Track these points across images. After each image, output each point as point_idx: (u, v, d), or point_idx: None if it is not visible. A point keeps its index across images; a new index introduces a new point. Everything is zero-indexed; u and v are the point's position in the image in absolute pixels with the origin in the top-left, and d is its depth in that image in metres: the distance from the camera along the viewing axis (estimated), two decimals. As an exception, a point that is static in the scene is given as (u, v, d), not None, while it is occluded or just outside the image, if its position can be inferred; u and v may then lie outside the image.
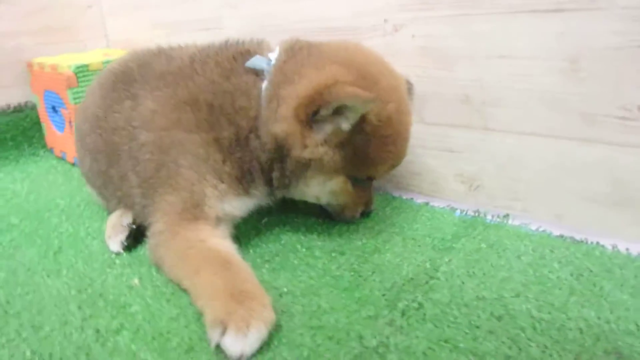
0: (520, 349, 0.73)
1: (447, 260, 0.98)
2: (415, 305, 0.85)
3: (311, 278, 0.95)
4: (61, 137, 1.75)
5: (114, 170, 1.09)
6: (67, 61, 1.64)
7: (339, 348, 0.75)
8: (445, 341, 0.76)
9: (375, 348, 0.75)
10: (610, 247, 1.00)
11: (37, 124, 1.87)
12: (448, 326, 0.79)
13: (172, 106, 1.00)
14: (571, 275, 0.92)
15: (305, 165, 0.96)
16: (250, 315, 0.76)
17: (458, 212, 1.20)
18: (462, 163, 1.19)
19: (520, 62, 1.04)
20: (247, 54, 1.03)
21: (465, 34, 1.09)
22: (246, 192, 1.03)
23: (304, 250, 1.06)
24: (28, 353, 0.76)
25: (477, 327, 0.79)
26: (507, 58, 1.05)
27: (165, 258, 0.94)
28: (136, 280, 0.97)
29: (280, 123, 0.93)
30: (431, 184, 1.27)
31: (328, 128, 0.93)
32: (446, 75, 1.14)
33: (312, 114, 0.91)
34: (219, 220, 1.00)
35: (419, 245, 1.05)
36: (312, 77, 0.91)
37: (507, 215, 1.15)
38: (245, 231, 1.14)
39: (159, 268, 0.97)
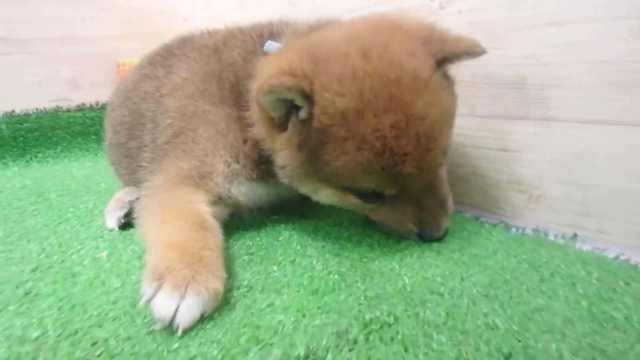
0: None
1: (464, 275, 0.73)
2: (389, 319, 0.62)
3: (284, 275, 0.77)
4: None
5: (134, 142, 1.07)
6: (144, 61, 1.71)
7: (258, 353, 0.56)
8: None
9: (300, 359, 0.54)
10: None
11: (122, 122, 1.97)
12: (425, 354, 0.56)
13: (202, 77, 0.97)
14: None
15: (290, 172, 0.82)
16: (193, 278, 0.65)
17: (513, 230, 0.92)
18: (519, 165, 0.92)
19: (584, 28, 0.77)
20: (271, 36, 0.95)
21: (515, 1, 0.86)
22: (261, 178, 0.92)
23: (297, 247, 0.88)
24: None
25: (466, 360, 0.53)
26: (565, 25, 0.79)
27: (147, 207, 0.86)
28: (104, 254, 0.89)
29: (256, 126, 0.86)
30: (483, 193, 1.00)
31: (290, 127, 0.78)
32: (496, 53, 0.90)
33: (269, 113, 0.78)
34: (219, 199, 0.91)
35: (440, 258, 0.80)
36: (264, 69, 0.79)
37: (574, 236, 0.84)
38: (246, 222, 1.00)
39: (138, 222, 0.87)
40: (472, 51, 0.76)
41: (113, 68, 1.93)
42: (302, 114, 0.75)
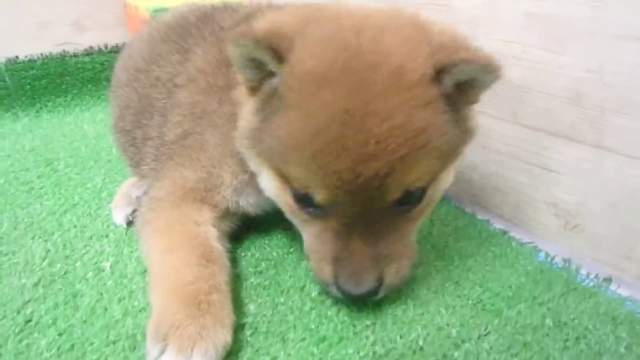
0: None
1: (482, 331, 0.68)
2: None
3: (291, 311, 0.74)
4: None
5: (140, 131, 0.98)
6: (151, 3, 1.57)
7: None
8: None
9: None
10: None
11: (132, 65, 1.86)
12: None
13: (214, 67, 0.87)
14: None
15: (241, 137, 0.73)
16: (200, 335, 0.62)
17: (542, 255, 0.85)
18: (559, 189, 0.83)
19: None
20: None
21: (590, 1, 0.71)
22: None
23: (308, 266, 0.83)
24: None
25: None
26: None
27: (150, 224, 0.81)
28: (108, 264, 0.86)
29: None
30: (515, 207, 0.92)
31: (260, 92, 0.68)
32: (554, 58, 0.77)
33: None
34: (227, 213, 0.85)
35: (459, 295, 0.75)
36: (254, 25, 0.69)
37: (609, 279, 0.77)
38: (257, 224, 0.95)
39: (138, 238, 0.84)
40: (473, 63, 0.59)
41: (120, 8, 1.78)
42: (275, 81, 0.65)
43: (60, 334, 0.69)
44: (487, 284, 0.77)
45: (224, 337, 0.63)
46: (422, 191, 0.66)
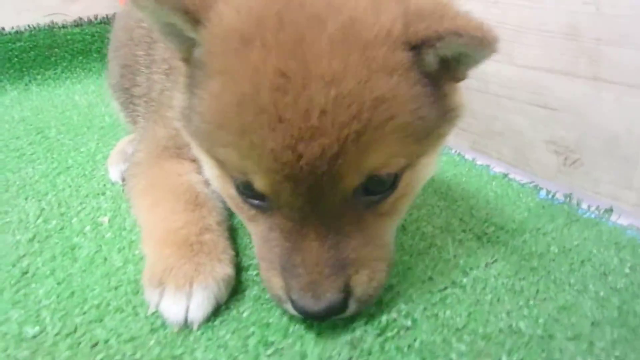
0: None
1: (489, 260, 0.68)
2: (407, 323, 0.58)
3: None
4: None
5: (136, 89, 0.97)
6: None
7: (267, 362, 0.53)
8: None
9: None
10: None
11: (123, 38, 1.83)
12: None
13: None
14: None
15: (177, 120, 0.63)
16: (197, 271, 0.60)
17: (543, 192, 0.85)
18: (557, 126, 0.82)
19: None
20: None
21: None
22: None
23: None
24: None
25: None
26: None
27: (135, 187, 0.79)
28: (105, 219, 0.84)
29: None
30: (514, 149, 0.92)
31: (187, 65, 0.58)
32: (548, -6, 0.76)
33: None
34: None
35: (463, 230, 0.75)
36: None
37: (609, 210, 0.77)
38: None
39: (129, 201, 0.83)
40: (464, 36, 0.46)
41: None
42: (197, 51, 0.53)
43: (59, 283, 0.68)
44: (491, 219, 0.77)
45: (223, 270, 0.62)
46: (395, 178, 0.53)
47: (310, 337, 0.56)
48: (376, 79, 0.47)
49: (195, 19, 0.51)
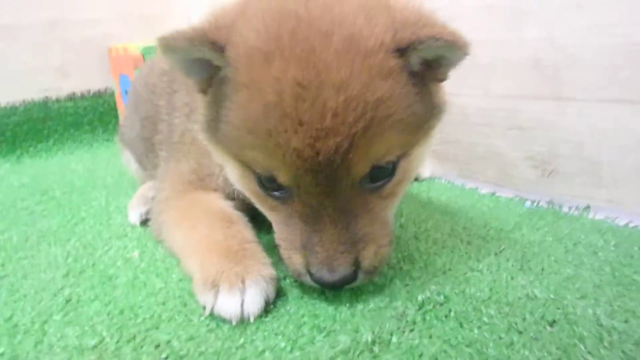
0: (573, 365, 0.52)
1: (498, 249, 0.77)
2: (440, 299, 0.65)
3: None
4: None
5: (157, 137, 1.04)
6: (140, 44, 1.67)
7: (324, 341, 0.59)
8: (469, 345, 0.56)
9: (369, 344, 0.57)
10: None
11: (113, 109, 1.92)
12: (478, 327, 0.60)
13: None
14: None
15: (202, 134, 0.73)
16: (246, 271, 0.65)
17: (528, 203, 0.97)
18: (532, 143, 0.97)
19: (599, 11, 0.80)
20: None
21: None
22: None
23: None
24: (-12, 315, 0.70)
25: (519, 331, 0.58)
26: (584, 8, 0.82)
27: (166, 220, 0.84)
28: (135, 253, 0.89)
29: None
30: (499, 170, 1.05)
31: (211, 89, 0.68)
32: (515, 36, 0.93)
33: None
34: (231, 196, 0.88)
35: (468, 234, 0.84)
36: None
37: (587, 208, 0.90)
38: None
39: (158, 238, 0.88)
40: (440, 40, 0.57)
41: (104, 53, 1.86)
42: (223, 72, 0.62)
43: (106, 305, 0.71)
44: (489, 224, 0.87)
45: (268, 270, 0.67)
46: (393, 165, 0.63)
47: (357, 319, 0.63)
48: (376, 83, 0.56)
49: (220, 48, 0.60)
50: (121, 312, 0.69)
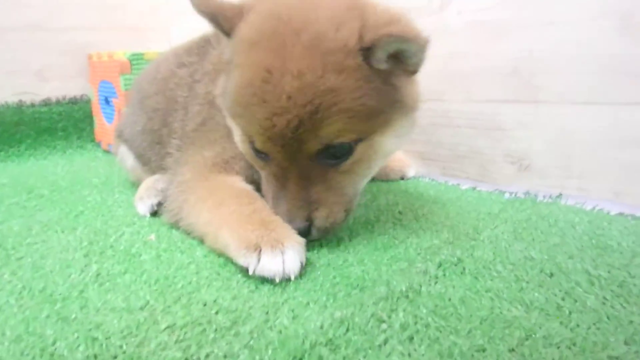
0: (575, 300, 0.62)
1: (492, 227, 0.88)
2: (454, 260, 0.74)
3: (340, 239, 0.86)
4: (110, 129, 1.77)
5: (166, 129, 1.09)
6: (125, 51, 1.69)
7: (362, 294, 0.66)
8: (487, 291, 0.65)
9: (404, 292, 0.65)
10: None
11: (88, 117, 1.91)
12: (491, 279, 0.69)
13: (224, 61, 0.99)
14: (633, 242, 0.80)
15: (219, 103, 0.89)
16: (283, 236, 0.72)
17: (507, 194, 1.09)
18: (511, 142, 1.10)
19: (572, 26, 0.96)
20: None
21: (512, 4, 1.03)
22: None
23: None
24: (19, 286, 0.71)
25: (525, 281, 0.68)
26: (557, 24, 0.98)
27: (189, 199, 0.88)
28: (152, 236, 0.91)
29: None
30: (479, 167, 1.17)
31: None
32: (494, 49, 1.08)
33: None
34: (249, 179, 0.94)
35: (461, 215, 0.95)
36: None
37: (560, 195, 1.03)
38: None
39: (176, 218, 0.91)
40: (398, 36, 0.68)
41: (84, 59, 1.86)
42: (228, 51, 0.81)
43: (139, 276, 0.73)
44: (478, 209, 0.98)
45: (300, 240, 0.74)
46: (349, 148, 0.75)
47: (386, 276, 0.70)
48: (328, 76, 0.69)
49: (227, 33, 0.79)
50: (156, 281, 0.72)
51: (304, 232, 0.76)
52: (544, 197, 1.04)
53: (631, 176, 0.94)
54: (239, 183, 0.89)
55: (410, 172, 1.25)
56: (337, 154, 0.76)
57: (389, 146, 0.82)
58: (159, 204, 1.03)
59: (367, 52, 0.71)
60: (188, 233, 0.89)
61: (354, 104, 0.71)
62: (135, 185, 1.25)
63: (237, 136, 0.85)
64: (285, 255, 0.70)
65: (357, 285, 0.68)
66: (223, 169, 0.92)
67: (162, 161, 1.08)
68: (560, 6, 0.97)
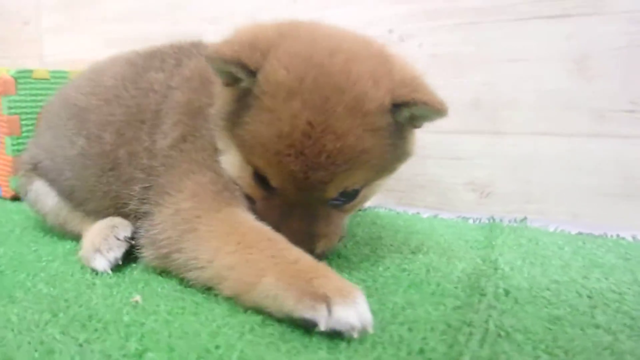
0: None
1: (497, 254, 0.90)
2: (501, 291, 0.74)
3: (364, 280, 0.80)
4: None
5: (124, 149, 0.90)
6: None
7: (448, 336, 0.61)
8: (558, 319, 0.66)
9: (492, 331, 0.62)
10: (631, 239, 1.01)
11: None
12: (546, 306, 0.70)
13: (208, 69, 0.87)
14: (618, 258, 0.90)
15: (216, 119, 0.81)
16: (345, 284, 0.64)
17: (471, 221, 1.14)
18: (472, 170, 1.16)
19: (531, 65, 1.06)
20: None
21: (474, 41, 1.11)
22: None
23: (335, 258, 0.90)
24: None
25: (580, 310, 0.70)
26: (518, 61, 1.08)
27: (197, 230, 0.74)
28: (137, 297, 0.73)
29: None
30: (439, 195, 1.21)
31: (235, 87, 0.78)
32: (455, 81, 1.14)
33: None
34: (249, 209, 0.83)
35: (455, 247, 0.96)
36: (235, 34, 0.80)
37: (524, 219, 1.12)
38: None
39: (167, 251, 0.76)
40: (430, 104, 0.72)
41: None
42: (244, 83, 0.75)
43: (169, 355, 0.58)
44: (463, 237, 1.01)
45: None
46: (356, 192, 0.80)
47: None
48: (366, 137, 0.72)
49: (249, 71, 0.72)
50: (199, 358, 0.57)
51: None
52: (510, 221, 1.12)
53: (587, 199, 1.06)
54: (253, 219, 0.77)
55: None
56: (344, 198, 0.79)
57: (384, 186, 0.87)
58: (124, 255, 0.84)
59: (394, 109, 0.74)
60: (179, 272, 0.75)
61: (379, 160, 0.76)
62: (57, 232, 1.01)
63: (232, 160, 0.80)
64: (358, 306, 0.61)
65: (433, 328, 0.63)
66: (228, 198, 0.79)
67: (120, 193, 0.89)
68: (521, 46, 1.07)
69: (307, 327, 0.61)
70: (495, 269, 0.83)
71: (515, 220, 1.12)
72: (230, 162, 0.80)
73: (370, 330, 0.61)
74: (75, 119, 0.98)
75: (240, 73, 0.73)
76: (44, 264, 0.87)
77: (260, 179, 0.78)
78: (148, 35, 1.54)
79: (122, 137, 0.91)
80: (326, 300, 0.61)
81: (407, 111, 0.75)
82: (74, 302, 0.72)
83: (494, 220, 1.13)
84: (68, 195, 0.98)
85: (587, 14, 1.01)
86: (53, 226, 1.03)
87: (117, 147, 0.91)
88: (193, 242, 0.74)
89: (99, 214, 0.95)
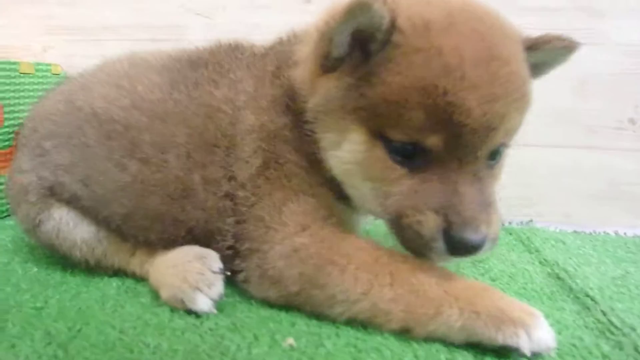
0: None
1: (549, 255, 1.01)
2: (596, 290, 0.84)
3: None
4: None
5: (197, 175, 0.78)
6: None
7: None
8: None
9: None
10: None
11: None
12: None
13: (267, 82, 0.80)
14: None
15: (324, 109, 0.71)
16: (523, 305, 0.66)
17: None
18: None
19: (537, 83, 1.19)
20: None
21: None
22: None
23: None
24: None
25: None
26: None
27: (335, 263, 0.69)
28: (290, 340, 0.65)
29: (299, 68, 0.76)
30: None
31: (343, 66, 0.69)
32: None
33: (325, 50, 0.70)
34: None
35: (498, 251, 1.04)
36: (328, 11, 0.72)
37: (531, 221, 1.26)
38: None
39: (304, 290, 0.71)
40: (563, 38, 0.71)
41: None
42: (373, 46, 0.65)
43: None
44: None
45: None
46: (500, 153, 0.70)
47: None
48: (522, 64, 0.68)
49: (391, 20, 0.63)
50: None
51: (477, 246, 0.63)
52: (518, 224, 1.25)
53: (576, 201, 1.24)
54: (374, 243, 0.73)
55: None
56: (495, 157, 0.69)
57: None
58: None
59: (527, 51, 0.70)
60: (317, 308, 0.71)
61: (525, 104, 0.68)
62: (85, 268, 0.85)
63: (360, 143, 0.68)
64: (545, 324, 0.64)
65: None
66: (337, 224, 0.74)
67: (208, 226, 0.79)
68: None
69: (502, 352, 0.63)
70: (565, 270, 0.93)
71: (522, 223, 1.26)
72: (351, 146, 0.69)
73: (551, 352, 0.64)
74: (119, 139, 0.82)
75: (380, 23, 0.62)
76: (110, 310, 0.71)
77: (401, 151, 0.65)
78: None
79: (192, 161, 0.79)
80: (524, 327, 0.62)
81: (540, 53, 0.71)
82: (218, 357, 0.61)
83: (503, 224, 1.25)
84: (117, 225, 0.82)
85: (588, 44, 1.16)
86: (81, 261, 0.84)
87: (188, 172, 0.79)
88: (335, 276, 0.69)
89: (160, 242, 0.81)
